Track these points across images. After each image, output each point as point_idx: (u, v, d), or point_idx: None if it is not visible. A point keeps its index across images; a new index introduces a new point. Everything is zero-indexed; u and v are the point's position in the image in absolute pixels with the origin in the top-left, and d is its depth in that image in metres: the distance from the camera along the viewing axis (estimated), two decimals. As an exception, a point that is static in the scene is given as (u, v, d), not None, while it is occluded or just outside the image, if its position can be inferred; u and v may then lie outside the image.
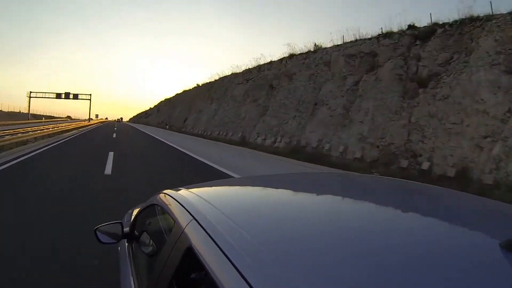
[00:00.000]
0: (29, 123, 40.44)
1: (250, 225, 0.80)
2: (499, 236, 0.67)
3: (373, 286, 0.53)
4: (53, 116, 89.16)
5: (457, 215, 0.93)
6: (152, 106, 68.78)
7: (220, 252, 0.67)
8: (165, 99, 50.87)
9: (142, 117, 75.78)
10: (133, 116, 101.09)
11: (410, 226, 0.81)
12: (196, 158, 10.62)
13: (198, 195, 1.07)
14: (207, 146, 16.02)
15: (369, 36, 11.98)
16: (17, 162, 8.53)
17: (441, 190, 1.26)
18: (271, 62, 18.36)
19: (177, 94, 42.73)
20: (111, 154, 10.63)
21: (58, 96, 66.84)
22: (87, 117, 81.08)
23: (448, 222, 0.86)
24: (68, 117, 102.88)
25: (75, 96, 69.35)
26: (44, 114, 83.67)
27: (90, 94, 72.42)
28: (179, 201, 1.06)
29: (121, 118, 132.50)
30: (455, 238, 0.74)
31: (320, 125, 11.73)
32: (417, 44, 9.84)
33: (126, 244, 1.63)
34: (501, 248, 0.60)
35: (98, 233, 1.47)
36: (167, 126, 36.32)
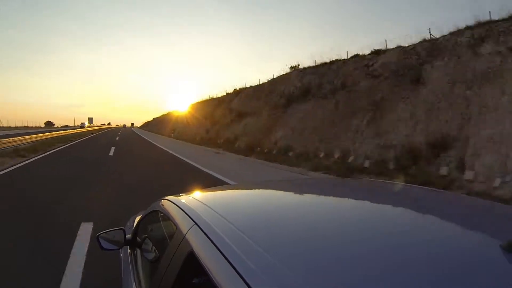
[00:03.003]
0: None
1: (251, 229, 0.80)
2: (500, 237, 0.67)
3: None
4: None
5: (456, 217, 0.93)
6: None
7: (222, 256, 0.67)
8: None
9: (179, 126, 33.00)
10: (154, 119, 73.09)
11: (409, 229, 0.81)
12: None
13: (199, 201, 1.08)
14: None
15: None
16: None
17: (438, 192, 1.27)
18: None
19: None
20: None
21: None
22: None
23: (447, 224, 0.86)
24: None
25: None
26: None
27: None
28: (180, 206, 1.07)
29: (132, 124, 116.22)
30: (454, 240, 0.74)
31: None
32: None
33: (129, 250, 1.64)
34: (502, 249, 0.61)
35: (100, 239, 1.47)
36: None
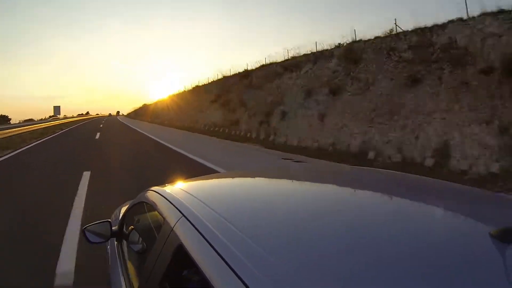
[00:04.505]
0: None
1: (240, 220, 0.80)
2: (495, 226, 0.67)
3: (368, 279, 0.54)
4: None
5: (453, 207, 0.92)
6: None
7: (211, 248, 0.67)
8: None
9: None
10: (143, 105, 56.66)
11: (406, 219, 0.81)
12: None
13: (186, 192, 1.06)
14: None
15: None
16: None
17: (438, 182, 1.23)
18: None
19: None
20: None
21: None
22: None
23: (445, 214, 0.87)
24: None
25: None
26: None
27: None
28: (167, 198, 1.05)
29: (118, 112, 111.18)
30: (450, 229, 0.74)
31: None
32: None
33: (115, 242, 1.61)
34: (492, 238, 0.61)
35: (86, 232, 1.44)
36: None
